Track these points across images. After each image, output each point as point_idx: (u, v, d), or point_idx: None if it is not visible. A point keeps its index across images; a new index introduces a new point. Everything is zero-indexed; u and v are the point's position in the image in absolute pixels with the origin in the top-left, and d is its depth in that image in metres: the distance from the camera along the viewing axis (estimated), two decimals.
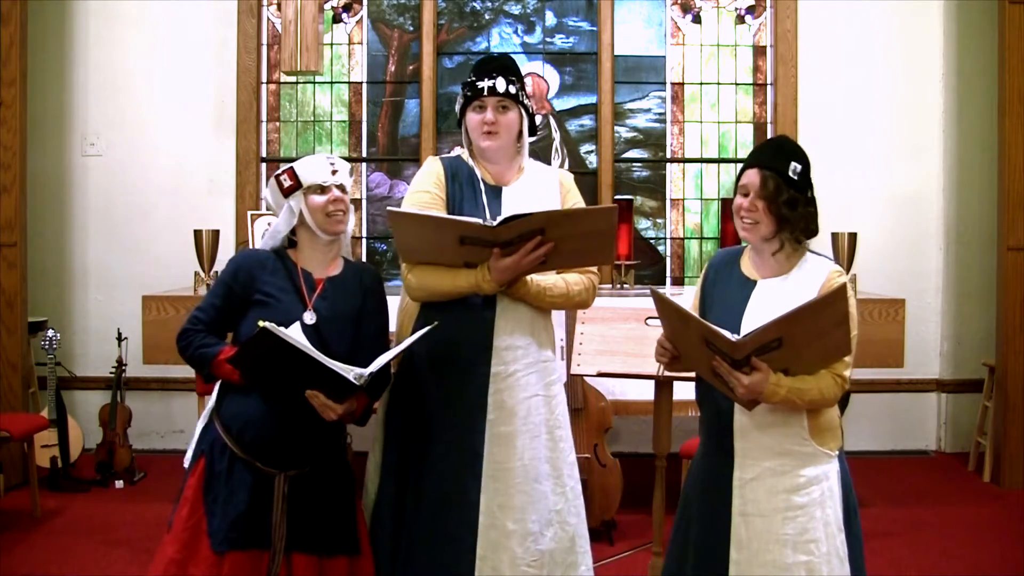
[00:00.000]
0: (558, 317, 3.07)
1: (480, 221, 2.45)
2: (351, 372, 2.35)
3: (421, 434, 2.58)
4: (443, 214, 2.60)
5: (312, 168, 2.56)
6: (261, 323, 2.28)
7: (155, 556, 2.52)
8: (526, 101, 2.67)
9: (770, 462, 2.25)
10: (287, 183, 2.54)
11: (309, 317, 2.47)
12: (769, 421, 2.25)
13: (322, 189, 2.54)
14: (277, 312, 2.43)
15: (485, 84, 2.60)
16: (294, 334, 2.37)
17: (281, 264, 2.55)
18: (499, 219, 2.40)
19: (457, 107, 2.72)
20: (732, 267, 2.40)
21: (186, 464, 2.57)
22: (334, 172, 2.56)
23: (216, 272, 4.42)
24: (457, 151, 2.83)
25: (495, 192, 2.65)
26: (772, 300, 2.23)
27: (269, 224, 3.04)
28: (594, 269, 2.67)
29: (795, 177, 2.27)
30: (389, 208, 2.55)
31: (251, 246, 4.64)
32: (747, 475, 2.27)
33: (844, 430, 2.42)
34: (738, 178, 2.38)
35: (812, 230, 2.32)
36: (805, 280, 2.25)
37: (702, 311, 2.41)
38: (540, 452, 2.57)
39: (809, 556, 2.22)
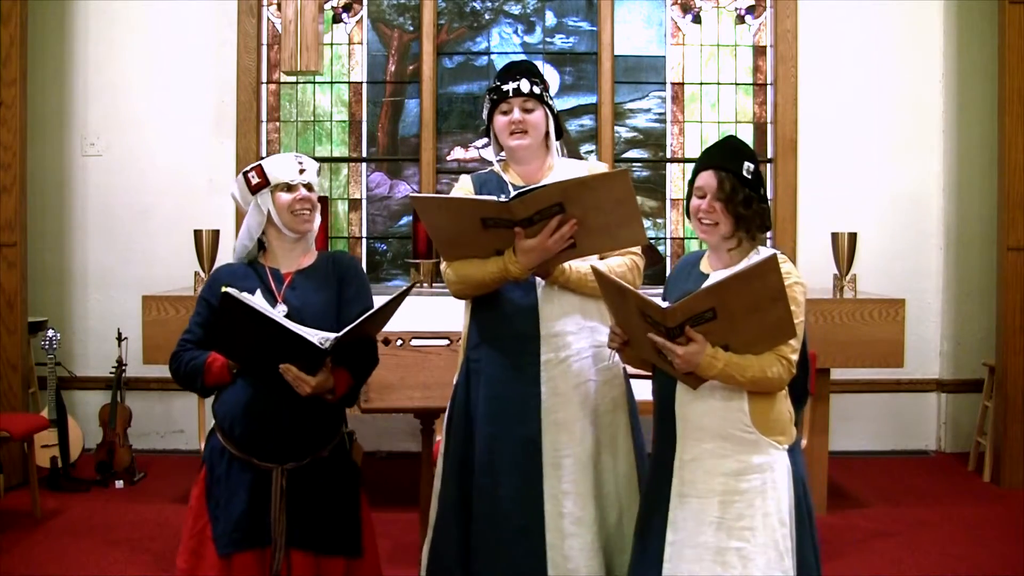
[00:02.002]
0: None
1: (495, 199, 2.46)
2: (316, 336, 2.35)
3: (481, 433, 2.60)
4: (461, 196, 2.63)
5: (280, 166, 2.57)
6: (224, 288, 2.30)
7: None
8: (550, 102, 2.73)
9: (709, 444, 2.26)
10: (255, 180, 2.56)
11: (280, 310, 2.47)
12: (708, 404, 2.26)
13: (289, 187, 2.55)
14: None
15: (510, 86, 2.66)
16: (259, 302, 2.38)
17: (252, 270, 2.58)
18: (513, 194, 2.41)
19: (484, 114, 2.75)
20: (693, 267, 2.44)
21: None
22: (302, 171, 2.57)
23: None
24: (460, 152, 2.84)
25: None
26: None
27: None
28: (637, 250, 2.67)
29: (748, 176, 2.32)
30: (411, 195, 2.58)
31: None
32: (687, 456, 2.28)
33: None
34: (691, 180, 2.40)
35: (766, 225, 2.37)
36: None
37: None
38: (598, 436, 2.60)
39: (743, 543, 2.21)
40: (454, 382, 2.73)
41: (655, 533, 2.31)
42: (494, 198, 2.46)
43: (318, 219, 2.64)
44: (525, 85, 2.66)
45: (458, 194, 2.72)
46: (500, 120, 2.68)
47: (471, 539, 2.59)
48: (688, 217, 2.45)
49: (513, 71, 2.71)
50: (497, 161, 2.79)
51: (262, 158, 5.54)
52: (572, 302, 2.61)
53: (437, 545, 2.67)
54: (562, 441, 2.57)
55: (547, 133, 2.72)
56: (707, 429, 2.26)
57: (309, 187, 2.58)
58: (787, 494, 2.26)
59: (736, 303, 2.12)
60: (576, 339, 2.59)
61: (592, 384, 2.61)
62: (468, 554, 2.60)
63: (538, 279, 2.58)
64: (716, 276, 2.32)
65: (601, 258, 2.62)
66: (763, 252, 2.34)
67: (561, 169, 2.74)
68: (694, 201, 2.37)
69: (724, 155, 2.36)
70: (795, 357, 2.23)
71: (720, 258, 2.38)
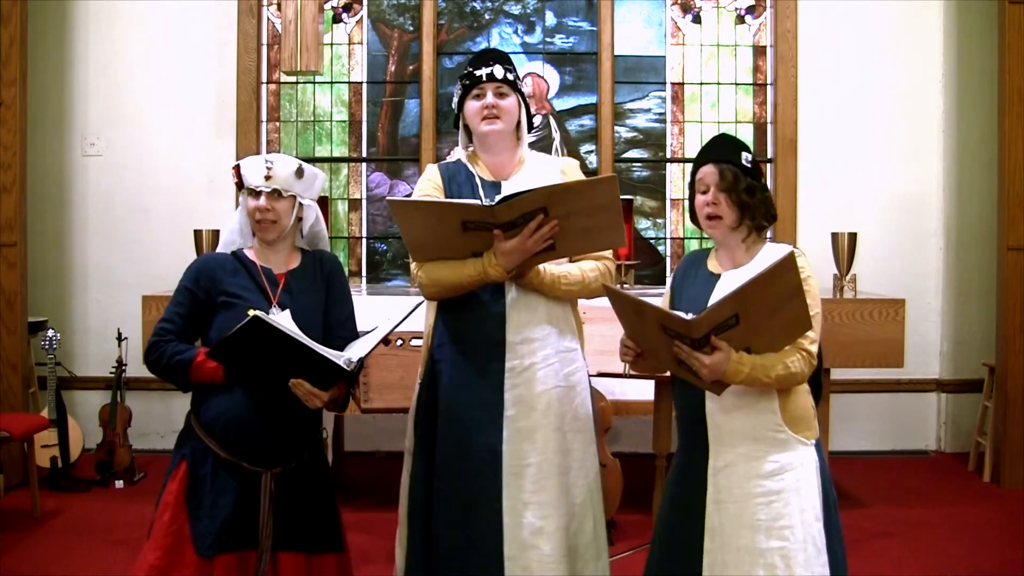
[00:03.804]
0: None
1: (479, 202, 2.43)
2: (341, 358, 2.35)
3: (443, 438, 2.56)
4: (442, 199, 2.59)
5: (249, 169, 2.55)
6: (251, 312, 2.28)
7: (135, 563, 2.50)
8: (523, 92, 2.68)
9: (743, 448, 2.25)
10: (235, 179, 2.56)
11: (275, 313, 2.44)
12: (740, 407, 2.25)
13: (255, 193, 2.52)
14: (241, 314, 2.37)
15: (483, 71, 2.62)
16: (284, 322, 2.36)
17: (240, 265, 2.54)
18: (498, 198, 2.37)
19: (455, 101, 2.71)
20: (699, 266, 2.42)
21: None
22: (267, 177, 2.52)
23: None
24: (456, 153, 2.81)
25: (494, 188, 2.63)
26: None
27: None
28: (608, 255, 2.64)
29: (748, 165, 2.33)
30: (388, 198, 2.54)
31: None
32: (720, 463, 2.27)
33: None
34: (692, 179, 2.40)
35: (772, 215, 2.37)
36: (765, 265, 2.23)
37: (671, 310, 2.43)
38: (562, 445, 2.55)
39: (783, 542, 2.21)
40: (418, 381, 2.68)
41: (689, 541, 2.28)
42: (478, 202, 2.43)
43: (311, 220, 2.60)
44: (499, 71, 2.61)
45: (426, 184, 2.67)
46: (472, 105, 2.62)
47: (433, 544, 2.55)
48: (691, 218, 2.43)
49: (486, 57, 2.66)
50: (467, 152, 2.72)
51: None
52: (541, 309, 2.56)
53: (409, 546, 2.64)
54: (524, 450, 2.51)
55: (519, 123, 2.67)
56: (739, 433, 2.25)
57: (276, 194, 2.52)
58: (817, 488, 2.27)
59: (757, 306, 2.11)
60: (542, 346, 2.55)
61: (557, 391, 2.56)
62: (431, 558, 2.57)
63: (508, 285, 2.54)
64: (729, 276, 2.31)
65: (571, 261, 2.60)
66: (772, 248, 2.34)
67: (534, 163, 2.70)
68: (698, 198, 2.36)
69: (721, 149, 2.37)
70: (814, 348, 2.24)
71: (730, 256, 2.36)
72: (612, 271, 2.65)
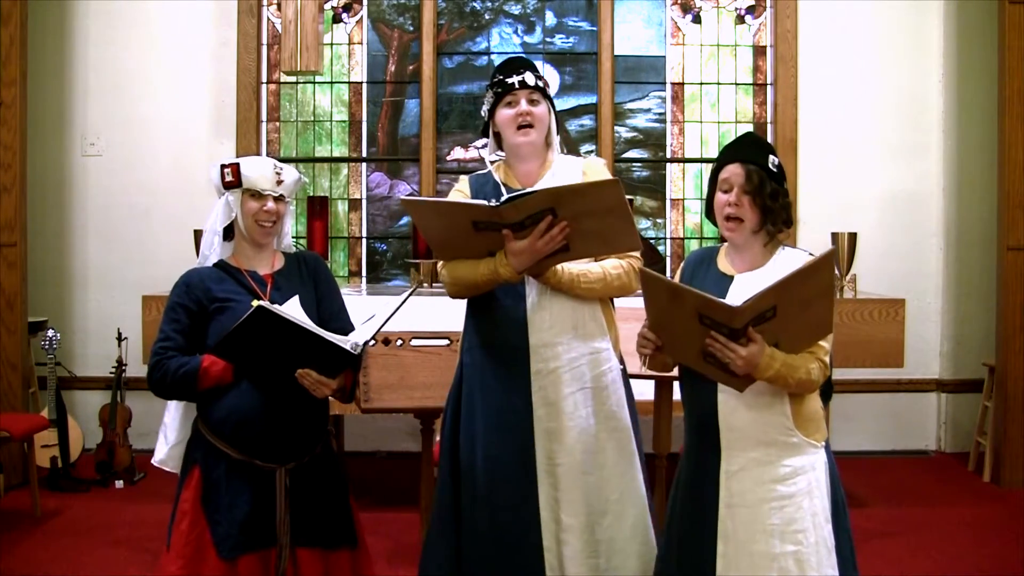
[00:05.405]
0: None
1: (485, 203, 2.44)
2: (347, 343, 2.37)
3: (475, 441, 2.60)
4: (452, 199, 2.61)
5: (256, 171, 2.52)
6: (255, 303, 2.29)
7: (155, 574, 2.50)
8: (552, 99, 2.71)
9: (755, 452, 2.24)
10: (228, 178, 2.51)
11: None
12: (753, 412, 2.24)
13: (258, 195, 2.51)
14: (238, 314, 2.37)
15: (515, 79, 2.63)
16: (292, 309, 2.37)
17: (225, 273, 2.54)
18: (503, 199, 2.39)
19: (485, 109, 2.72)
20: (709, 265, 2.40)
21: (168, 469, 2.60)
22: (279, 181, 2.53)
23: None
24: (460, 152, 2.83)
25: None
26: (750, 293, 2.18)
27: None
28: (636, 253, 2.64)
29: (775, 169, 2.31)
30: (402, 197, 2.57)
31: None
32: (733, 467, 2.26)
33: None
34: (713, 175, 2.36)
35: (790, 220, 2.35)
36: (784, 270, 2.21)
37: None
38: (592, 445, 2.58)
39: (797, 546, 2.21)
40: (452, 383, 2.75)
41: (702, 544, 2.28)
42: (485, 202, 2.44)
43: (288, 226, 2.63)
44: (530, 78, 2.63)
45: (456, 196, 2.70)
46: (505, 113, 2.63)
47: (464, 543, 2.60)
48: (707, 214, 2.41)
49: (515, 64, 2.68)
50: (491, 162, 2.75)
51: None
52: (563, 312, 2.58)
53: (430, 545, 2.69)
54: (553, 450, 2.56)
55: (549, 130, 2.69)
56: (752, 437, 2.24)
57: (281, 199, 2.54)
58: (827, 490, 2.27)
59: (793, 300, 2.10)
60: (567, 350, 2.57)
61: (586, 392, 2.59)
62: (460, 556, 2.61)
63: (528, 289, 2.57)
64: (744, 278, 2.30)
65: (596, 261, 2.61)
66: (790, 253, 2.33)
67: (558, 166, 2.71)
68: (719, 196, 2.32)
69: (749, 149, 2.33)
70: (828, 359, 2.24)
71: (744, 257, 2.34)
72: (638, 268, 2.63)
